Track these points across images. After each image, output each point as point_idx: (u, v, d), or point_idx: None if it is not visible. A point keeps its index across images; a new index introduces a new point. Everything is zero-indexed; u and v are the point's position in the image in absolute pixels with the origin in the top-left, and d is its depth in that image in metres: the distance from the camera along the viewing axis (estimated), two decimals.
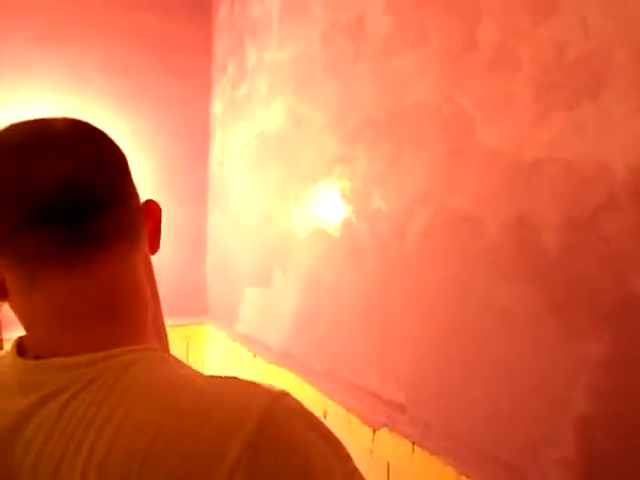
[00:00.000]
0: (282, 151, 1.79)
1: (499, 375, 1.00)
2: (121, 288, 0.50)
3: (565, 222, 0.88)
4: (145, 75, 2.23)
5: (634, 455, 0.78)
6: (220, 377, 0.46)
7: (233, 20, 2.20)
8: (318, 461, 0.39)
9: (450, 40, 1.12)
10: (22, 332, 0.50)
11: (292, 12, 1.75)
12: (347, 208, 1.44)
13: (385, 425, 1.27)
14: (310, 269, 1.61)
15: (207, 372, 0.48)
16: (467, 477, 1.05)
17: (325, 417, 1.47)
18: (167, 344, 0.57)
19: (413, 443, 1.18)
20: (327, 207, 1.53)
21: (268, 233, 1.86)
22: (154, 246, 0.57)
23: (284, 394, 0.43)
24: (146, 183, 2.16)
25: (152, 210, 0.56)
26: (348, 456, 0.43)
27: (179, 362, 0.49)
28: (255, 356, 1.91)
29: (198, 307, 2.37)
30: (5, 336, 1.83)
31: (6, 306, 0.50)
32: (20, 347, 0.50)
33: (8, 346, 0.51)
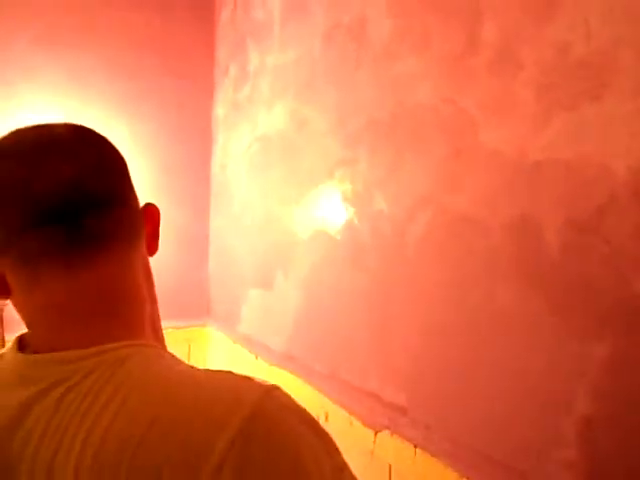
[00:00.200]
0: (284, 154, 1.80)
1: (500, 377, 1.00)
2: (119, 287, 0.51)
3: (566, 223, 0.88)
4: (148, 78, 2.24)
5: (637, 456, 0.78)
6: (215, 371, 0.47)
7: (235, 23, 2.21)
8: (308, 454, 0.40)
9: (452, 42, 1.12)
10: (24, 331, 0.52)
11: (294, 15, 1.76)
12: (349, 210, 1.44)
13: (386, 427, 1.26)
14: (312, 271, 1.61)
15: None
16: None
17: (327, 420, 1.47)
18: (164, 345, 0.58)
19: (415, 446, 1.18)
20: (329, 209, 1.53)
21: (270, 235, 1.86)
22: (152, 248, 0.58)
23: (275, 388, 0.44)
24: (149, 185, 2.19)
25: (151, 213, 0.57)
26: (337, 451, 0.44)
27: (175, 358, 0.50)
28: (257, 358, 1.92)
29: (200, 309, 2.38)
30: (8, 337, 1.83)
31: (10, 307, 0.51)
32: (21, 343, 0.51)
33: None
